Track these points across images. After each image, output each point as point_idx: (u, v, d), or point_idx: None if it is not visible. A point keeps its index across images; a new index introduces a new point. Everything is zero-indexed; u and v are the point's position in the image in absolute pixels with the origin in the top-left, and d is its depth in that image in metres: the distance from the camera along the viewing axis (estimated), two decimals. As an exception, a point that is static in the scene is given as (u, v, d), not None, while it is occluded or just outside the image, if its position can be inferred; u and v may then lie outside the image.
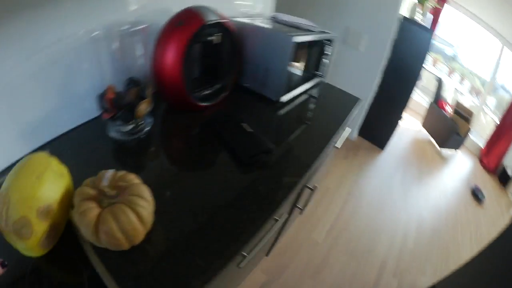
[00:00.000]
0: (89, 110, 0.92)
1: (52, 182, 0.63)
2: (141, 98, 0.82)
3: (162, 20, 0.88)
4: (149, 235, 0.62)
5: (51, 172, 0.64)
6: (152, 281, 0.56)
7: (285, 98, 1.07)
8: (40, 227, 0.59)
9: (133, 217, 0.57)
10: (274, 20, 1.20)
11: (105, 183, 0.60)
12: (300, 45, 1.01)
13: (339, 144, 1.11)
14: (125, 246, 0.58)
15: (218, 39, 0.93)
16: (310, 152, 0.87)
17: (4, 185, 0.60)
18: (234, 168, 0.79)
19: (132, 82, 0.85)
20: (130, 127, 0.84)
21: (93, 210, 0.57)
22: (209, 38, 0.90)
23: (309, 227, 1.76)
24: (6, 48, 0.72)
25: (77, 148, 0.81)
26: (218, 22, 0.90)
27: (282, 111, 1.04)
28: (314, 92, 1.29)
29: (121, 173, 0.64)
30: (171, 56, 0.83)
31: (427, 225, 1.97)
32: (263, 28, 1.02)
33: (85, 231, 0.57)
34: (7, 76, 0.74)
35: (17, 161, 0.82)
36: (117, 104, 0.80)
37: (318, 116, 1.04)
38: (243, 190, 0.74)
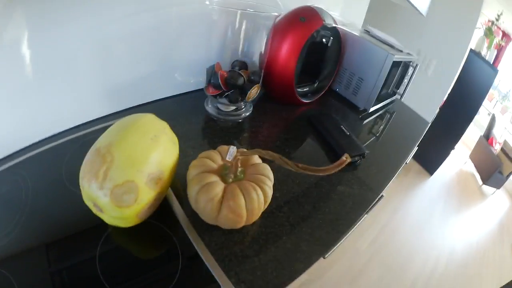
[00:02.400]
0: (181, 84, 0.95)
1: (166, 148, 0.58)
2: (250, 81, 0.86)
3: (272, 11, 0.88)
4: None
5: (166, 137, 0.59)
6: (255, 261, 0.58)
7: (372, 108, 1.11)
8: (146, 196, 0.53)
9: (261, 196, 0.56)
10: (368, 33, 1.24)
11: (229, 158, 0.59)
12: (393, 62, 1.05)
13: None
14: (241, 224, 0.57)
15: (329, 42, 0.98)
16: (390, 164, 0.90)
17: (102, 141, 0.54)
18: (329, 165, 0.82)
19: (238, 65, 0.88)
20: (233, 108, 0.89)
21: (219, 184, 0.55)
22: (323, 39, 0.96)
23: (355, 234, 1.79)
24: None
25: (168, 118, 0.68)
26: (333, 27, 0.95)
27: (366, 121, 1.08)
28: (391, 108, 1.31)
29: (242, 150, 0.62)
30: (289, 48, 0.88)
31: (457, 256, 1.99)
32: (364, 40, 1.06)
33: (205, 205, 0.54)
34: (107, 27, 0.73)
35: (96, 119, 0.84)
36: (229, 83, 0.83)
37: (395, 131, 1.08)
38: (339, 185, 0.78)
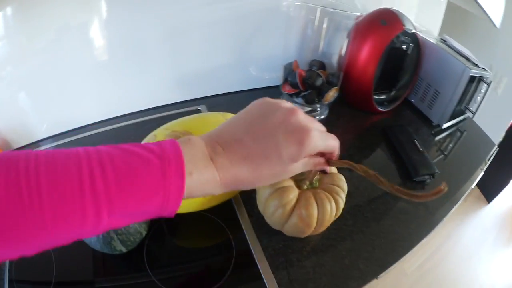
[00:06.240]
0: (255, 78, 0.93)
1: None
2: (328, 83, 0.83)
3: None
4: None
5: None
6: (310, 273, 0.57)
7: (445, 125, 1.03)
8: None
9: (333, 208, 0.54)
10: (445, 43, 1.15)
11: None
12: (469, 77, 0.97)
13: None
14: (306, 234, 0.55)
15: (409, 49, 0.91)
16: (457, 188, 0.83)
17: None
18: (398, 180, 0.79)
19: (316, 65, 0.85)
20: (308, 109, 0.85)
21: (293, 190, 0.53)
22: (403, 45, 0.89)
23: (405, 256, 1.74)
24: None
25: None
26: (413, 33, 0.89)
27: (438, 137, 1.00)
28: (461, 127, 1.22)
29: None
30: (369, 51, 0.83)
31: None
32: (442, 50, 0.98)
33: (275, 210, 0.53)
34: (180, 15, 0.75)
35: (166, 105, 0.88)
36: (307, 83, 0.80)
37: (464, 152, 1.00)
38: (406, 204, 0.73)
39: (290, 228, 0.54)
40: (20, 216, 0.23)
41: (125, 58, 0.76)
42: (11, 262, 0.53)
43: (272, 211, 0.53)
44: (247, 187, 0.35)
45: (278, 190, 0.52)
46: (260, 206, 0.57)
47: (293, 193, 0.52)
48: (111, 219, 0.26)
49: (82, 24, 0.67)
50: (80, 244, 0.52)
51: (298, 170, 0.37)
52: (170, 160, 0.28)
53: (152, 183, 0.27)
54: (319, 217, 0.52)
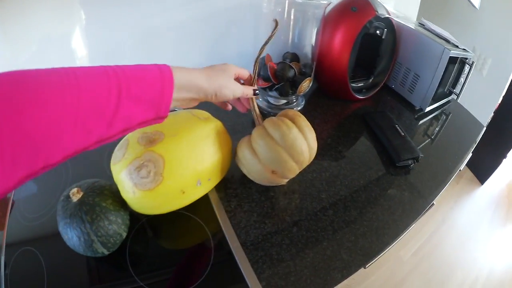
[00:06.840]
0: None
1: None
2: (302, 74, 0.82)
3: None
4: (298, 217, 0.63)
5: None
6: (290, 266, 0.56)
7: (428, 108, 1.02)
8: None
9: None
10: (423, 27, 1.15)
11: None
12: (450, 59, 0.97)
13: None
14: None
15: (383, 34, 0.90)
16: (444, 170, 0.82)
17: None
18: (381, 167, 0.78)
19: (289, 57, 0.84)
20: (284, 101, 0.85)
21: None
22: (377, 31, 0.88)
23: (400, 243, 1.72)
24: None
25: (215, 110, 0.68)
26: (386, 17, 0.88)
27: (421, 121, 1.00)
28: (446, 109, 1.21)
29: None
30: (341, 39, 0.83)
31: (496, 277, 1.83)
32: (419, 33, 0.97)
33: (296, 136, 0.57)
34: (155, 17, 0.77)
35: None
36: (279, 75, 0.79)
37: (450, 134, 0.99)
38: (390, 190, 0.72)
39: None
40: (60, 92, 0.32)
41: (104, 63, 0.77)
42: (5, 276, 0.52)
43: (292, 137, 0.56)
44: (217, 78, 0.54)
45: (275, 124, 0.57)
46: (268, 148, 0.58)
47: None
48: (127, 101, 0.38)
49: (62, 33, 0.69)
50: (69, 254, 0.52)
51: (239, 89, 0.57)
52: (163, 65, 0.45)
53: (154, 75, 0.42)
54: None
